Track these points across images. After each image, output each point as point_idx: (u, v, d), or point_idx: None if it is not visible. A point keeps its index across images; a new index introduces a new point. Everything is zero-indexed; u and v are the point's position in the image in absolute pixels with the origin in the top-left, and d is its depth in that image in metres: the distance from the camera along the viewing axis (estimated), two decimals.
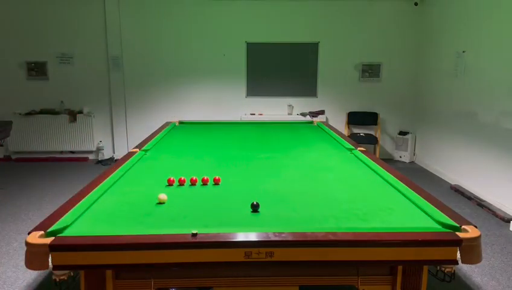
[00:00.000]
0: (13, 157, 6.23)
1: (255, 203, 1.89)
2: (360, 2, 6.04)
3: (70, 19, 5.99)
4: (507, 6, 4.06)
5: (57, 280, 1.54)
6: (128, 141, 6.36)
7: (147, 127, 6.25)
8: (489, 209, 4.14)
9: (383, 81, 6.26)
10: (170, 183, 2.28)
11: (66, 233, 1.60)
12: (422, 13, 6.00)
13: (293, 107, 6.28)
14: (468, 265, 3.04)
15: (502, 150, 4.16)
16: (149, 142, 3.36)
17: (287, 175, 2.49)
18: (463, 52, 4.88)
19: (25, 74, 6.09)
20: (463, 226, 1.64)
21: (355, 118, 6.30)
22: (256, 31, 6.09)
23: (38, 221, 3.84)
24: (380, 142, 6.39)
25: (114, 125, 6.28)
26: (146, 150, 3.13)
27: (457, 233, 1.59)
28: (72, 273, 1.56)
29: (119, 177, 2.40)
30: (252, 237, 1.55)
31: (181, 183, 2.28)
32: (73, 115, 6.13)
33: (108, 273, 1.68)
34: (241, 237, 1.55)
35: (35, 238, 1.52)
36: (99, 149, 6.25)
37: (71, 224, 1.69)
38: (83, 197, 1.99)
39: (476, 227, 1.63)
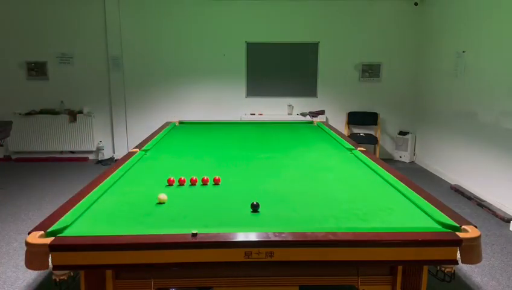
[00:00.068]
0: (13, 157, 6.23)
1: (255, 203, 1.89)
2: (360, 2, 6.04)
3: (70, 19, 5.99)
4: (507, 6, 4.06)
5: (57, 280, 1.54)
6: (128, 141, 6.36)
7: (147, 127, 6.25)
8: (489, 209, 4.14)
9: (383, 81, 6.26)
10: (170, 183, 2.28)
11: (66, 233, 1.60)
12: (422, 13, 6.00)
13: (293, 107, 6.28)
14: (468, 265, 3.04)
15: (502, 150, 4.16)
16: (149, 142, 3.36)
17: (287, 175, 2.49)
18: (463, 52, 4.88)
19: (25, 74, 6.09)
20: (463, 226, 1.64)
21: (355, 118, 6.30)
22: (256, 31, 6.09)
23: (38, 221, 3.84)
24: (380, 142, 6.39)
25: (114, 125, 6.28)
26: (146, 150, 3.13)
27: (457, 233, 1.59)
28: (72, 273, 1.56)
29: (119, 177, 2.40)
30: (252, 237, 1.55)
31: (181, 183, 2.28)
32: (73, 115, 6.13)
33: (108, 273, 1.68)
34: (241, 237, 1.55)
35: (35, 238, 1.52)
36: (99, 149, 6.25)
37: (71, 224, 1.69)
38: (83, 197, 1.99)
39: (476, 227, 1.63)
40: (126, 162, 2.68)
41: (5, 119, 5.81)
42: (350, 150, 3.17)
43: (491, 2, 4.34)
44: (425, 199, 1.99)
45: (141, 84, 6.21)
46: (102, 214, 1.84)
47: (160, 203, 1.99)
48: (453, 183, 5.07)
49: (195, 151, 3.17)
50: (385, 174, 2.43)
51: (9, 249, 3.28)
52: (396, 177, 2.34)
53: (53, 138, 6.17)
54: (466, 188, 4.77)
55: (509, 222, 3.83)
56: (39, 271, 2.92)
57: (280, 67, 6.19)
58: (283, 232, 1.58)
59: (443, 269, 1.61)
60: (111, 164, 6.01)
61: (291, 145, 3.42)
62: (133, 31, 6.05)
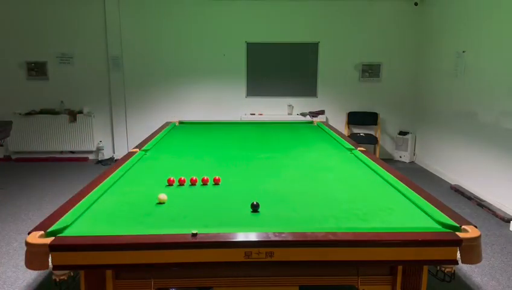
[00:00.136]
0: (13, 157, 6.23)
1: (255, 203, 1.89)
2: (360, 2, 6.04)
3: (70, 19, 5.99)
4: (507, 6, 4.06)
5: (57, 280, 1.54)
6: (128, 141, 6.36)
7: (147, 127, 6.25)
8: (489, 209, 4.14)
9: (383, 81, 6.26)
10: (170, 183, 2.28)
11: (66, 233, 1.60)
12: (422, 13, 6.00)
13: (293, 107, 6.28)
14: (468, 265, 3.04)
15: (502, 150, 4.16)
16: (149, 142, 3.36)
17: (287, 175, 2.49)
18: (463, 52, 4.88)
19: (25, 74, 6.09)
20: (463, 226, 1.64)
21: (355, 118, 6.30)
22: (256, 31, 6.09)
23: (38, 221, 3.84)
24: (380, 142, 6.39)
25: (114, 125, 6.28)
26: (146, 150, 3.13)
27: (457, 233, 1.59)
28: (72, 273, 1.56)
29: (119, 177, 2.40)
30: (252, 237, 1.55)
31: (181, 183, 2.28)
32: (73, 115, 6.14)
33: (108, 273, 1.68)
34: (241, 237, 1.55)
35: (35, 238, 1.52)
36: (99, 149, 6.26)
37: (71, 224, 1.69)
38: (83, 197, 1.99)
39: (476, 227, 1.63)
40: (126, 162, 2.68)
41: (5, 119, 5.81)
42: (350, 150, 3.17)
43: (491, 2, 4.34)
44: (425, 199, 1.99)
45: (141, 84, 6.21)
46: (102, 214, 1.84)
47: (160, 203, 1.99)
48: (453, 183, 5.07)
49: (195, 151, 3.17)
50: (385, 174, 2.43)
51: (9, 249, 3.28)
52: (396, 177, 2.34)
53: (53, 138, 6.17)
54: (466, 188, 4.77)
55: (509, 222, 3.83)
56: (39, 271, 2.92)
57: (280, 67, 6.19)
58: (283, 232, 1.58)
59: (443, 269, 1.61)
60: (111, 164, 6.01)
61: (291, 145, 3.42)
62: (133, 31, 6.05)
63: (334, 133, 3.87)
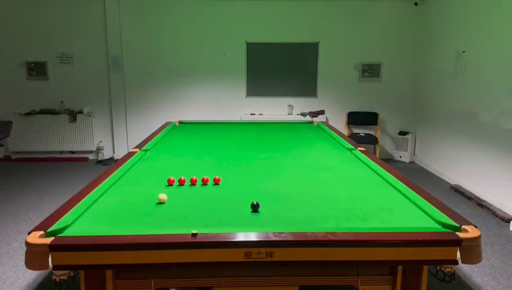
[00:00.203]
0: (13, 157, 6.23)
1: (255, 203, 1.89)
2: (360, 2, 6.04)
3: (70, 19, 5.99)
4: (507, 6, 4.06)
5: (57, 280, 1.54)
6: (128, 141, 6.36)
7: (147, 127, 6.25)
8: (489, 209, 4.14)
9: (383, 81, 6.26)
10: (170, 183, 2.28)
11: (66, 233, 1.60)
12: (422, 13, 6.00)
13: (293, 107, 6.28)
14: (468, 265, 3.04)
15: (502, 150, 4.16)
16: (149, 142, 3.36)
17: (287, 175, 2.49)
18: (463, 52, 4.88)
19: (25, 74, 6.09)
20: (463, 226, 1.64)
21: (355, 118, 6.30)
22: (256, 31, 6.09)
23: (38, 221, 3.84)
24: (380, 142, 6.39)
25: (114, 125, 6.28)
26: (146, 150, 3.13)
27: (457, 233, 1.59)
28: (72, 273, 1.56)
29: (119, 177, 2.40)
30: (252, 237, 1.55)
31: (181, 183, 2.28)
32: (73, 115, 6.14)
33: (108, 273, 1.68)
34: (241, 237, 1.55)
35: (35, 238, 1.52)
36: (99, 149, 6.26)
37: (71, 224, 1.69)
38: (83, 197, 1.99)
39: (476, 227, 1.63)
40: (126, 162, 2.68)
41: (5, 119, 5.81)
42: (350, 150, 3.17)
43: (491, 2, 4.34)
44: (425, 199, 1.99)
45: (141, 84, 6.21)
46: (102, 214, 1.84)
47: (160, 203, 1.99)
48: (453, 183, 5.07)
49: (195, 151, 3.17)
50: (385, 174, 2.43)
51: (9, 249, 3.28)
52: (396, 177, 2.34)
53: (53, 138, 6.17)
54: (466, 188, 4.77)
55: (509, 222, 3.83)
56: (39, 271, 2.92)
57: (280, 67, 6.19)
58: (283, 232, 1.58)
59: (443, 269, 1.61)
60: (111, 164, 6.01)
61: (291, 145, 3.42)
62: (133, 31, 6.05)
63: (334, 133, 3.87)
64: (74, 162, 6.19)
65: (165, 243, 1.51)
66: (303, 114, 6.22)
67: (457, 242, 1.54)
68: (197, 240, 1.53)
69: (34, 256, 1.49)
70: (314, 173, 2.54)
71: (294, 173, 2.54)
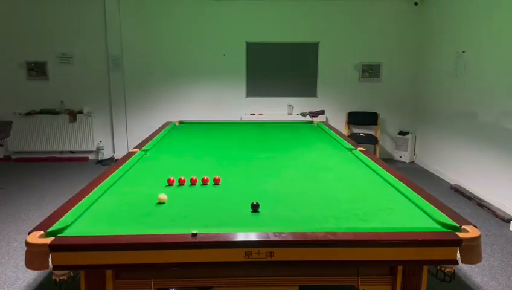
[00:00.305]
0: (13, 157, 6.23)
1: (255, 203, 1.89)
2: (360, 2, 6.04)
3: (70, 19, 5.99)
4: (507, 6, 4.06)
5: (57, 280, 1.54)
6: (128, 141, 6.36)
7: (147, 127, 6.25)
8: (489, 209, 4.14)
9: (383, 81, 6.26)
10: (170, 183, 2.28)
11: (66, 233, 1.60)
12: (422, 13, 6.00)
13: (293, 107, 6.28)
14: (468, 265, 3.04)
15: (502, 150, 4.16)
16: (149, 142, 3.36)
17: (287, 175, 2.49)
18: (463, 52, 4.88)
19: (25, 74, 6.09)
20: (463, 226, 1.64)
21: (355, 118, 6.30)
22: (256, 31, 6.09)
23: (38, 221, 3.84)
24: (380, 142, 6.39)
25: (114, 125, 6.28)
26: (146, 150, 3.13)
27: (457, 233, 1.59)
28: (72, 273, 1.56)
29: (119, 177, 2.40)
30: (252, 237, 1.55)
31: (181, 183, 2.28)
32: (73, 115, 6.14)
33: (108, 273, 1.68)
34: (241, 237, 1.55)
35: (35, 238, 1.52)
36: (99, 149, 6.26)
37: (71, 224, 1.69)
38: (83, 197, 1.99)
39: (476, 227, 1.63)
40: (126, 162, 2.68)
41: (5, 119, 5.81)
42: (350, 150, 3.17)
43: (491, 2, 4.34)
44: (425, 199, 1.99)
45: (141, 84, 6.21)
46: (102, 214, 1.84)
47: (160, 203, 1.99)
48: (453, 183, 5.07)
49: (195, 151, 3.17)
50: (385, 174, 2.43)
51: (9, 249, 3.28)
52: (396, 177, 2.34)
53: (53, 138, 6.17)
54: (466, 188, 4.77)
55: (509, 222, 3.83)
56: (39, 271, 2.92)
57: (280, 67, 6.19)
58: (283, 232, 1.58)
59: (443, 269, 1.61)
60: (111, 164, 6.01)
61: (291, 145, 3.42)
62: (133, 31, 6.05)
63: (334, 133, 3.87)
64: (74, 162, 6.19)
65: (165, 243, 1.51)
66: (303, 114, 6.22)
67: (457, 242, 1.54)
68: (197, 240, 1.53)
69: (34, 256, 1.49)
70: (314, 173, 2.54)
71: (294, 173, 2.54)
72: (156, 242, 1.51)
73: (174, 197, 2.08)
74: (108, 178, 2.31)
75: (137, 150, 3.06)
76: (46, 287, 2.75)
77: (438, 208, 1.85)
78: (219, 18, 6.05)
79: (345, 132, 6.30)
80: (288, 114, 6.26)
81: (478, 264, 3.03)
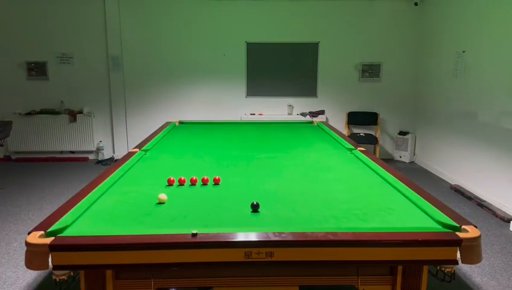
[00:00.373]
0: (13, 157, 6.23)
1: (255, 203, 1.89)
2: (360, 2, 6.04)
3: (70, 19, 5.99)
4: (507, 7, 4.06)
5: (57, 280, 1.54)
6: (128, 141, 6.36)
7: (147, 127, 6.25)
8: (489, 209, 4.14)
9: (383, 81, 6.26)
10: (170, 183, 2.28)
11: (66, 233, 1.60)
12: (422, 13, 6.00)
13: (293, 107, 6.28)
14: (468, 265, 3.04)
15: (502, 150, 4.16)
16: (149, 142, 3.36)
17: (287, 175, 2.49)
18: (463, 52, 4.88)
19: (25, 74, 6.09)
20: (463, 226, 1.64)
21: (355, 118, 6.30)
22: (256, 31, 6.09)
23: (38, 221, 3.84)
24: (380, 142, 6.39)
25: (114, 125, 6.28)
26: (146, 150, 3.13)
27: (457, 233, 1.59)
28: (72, 273, 1.56)
29: (119, 177, 2.40)
30: (252, 237, 1.55)
31: (181, 183, 2.28)
32: (73, 115, 6.14)
33: (108, 273, 1.68)
34: (241, 237, 1.55)
35: (35, 238, 1.52)
36: (99, 149, 6.26)
37: (71, 224, 1.69)
38: (83, 197, 1.99)
39: (476, 227, 1.63)
40: (126, 162, 2.68)
41: (5, 119, 5.81)
42: (350, 150, 3.17)
43: (491, 2, 4.34)
44: (425, 199, 1.99)
45: (141, 84, 6.21)
46: (102, 214, 1.84)
47: (160, 203, 1.99)
48: (453, 183, 5.07)
49: (195, 151, 3.17)
50: (385, 174, 2.43)
51: (9, 249, 3.28)
52: (396, 177, 2.34)
53: (53, 138, 6.17)
54: (466, 188, 4.77)
55: (509, 222, 3.83)
56: (39, 271, 2.92)
57: (280, 67, 6.19)
58: (283, 232, 1.58)
59: (443, 269, 1.61)
60: (111, 164, 6.01)
61: (291, 145, 3.42)
62: (133, 31, 6.05)
63: (334, 133, 3.87)
64: (74, 162, 6.19)
65: (165, 243, 1.51)
66: (303, 114, 6.22)
67: (457, 242, 1.54)
68: (197, 240, 1.53)
69: (34, 256, 1.49)
70: (314, 173, 2.54)
71: (294, 173, 2.54)
72: (156, 242, 1.51)
73: (174, 197, 2.08)
74: (108, 178, 2.31)
75: (137, 150, 3.06)
76: (46, 287, 2.75)
77: (438, 208, 1.85)
78: (219, 18, 6.05)
79: (345, 132, 6.30)
80: (288, 114, 6.26)
81: (478, 264, 3.04)
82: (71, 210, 1.82)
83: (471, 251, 1.55)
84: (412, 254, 1.55)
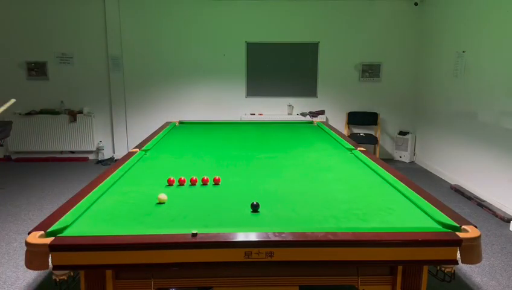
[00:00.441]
0: (13, 157, 6.23)
1: (255, 203, 1.89)
2: (360, 2, 6.04)
3: (70, 19, 5.99)
4: (507, 7, 4.06)
5: (57, 280, 1.54)
6: (128, 141, 6.36)
7: (147, 127, 6.25)
8: (489, 209, 4.14)
9: (383, 81, 6.26)
10: (170, 183, 2.28)
11: (66, 233, 1.60)
12: (422, 13, 6.00)
13: (293, 107, 6.28)
14: (468, 265, 3.04)
15: (502, 150, 4.16)
16: (149, 142, 3.36)
17: (287, 175, 2.49)
18: (463, 52, 4.88)
19: (25, 74, 6.09)
20: (463, 226, 1.64)
21: (355, 118, 6.30)
22: (256, 31, 6.09)
23: (38, 221, 3.84)
24: (380, 142, 6.39)
25: (114, 125, 6.28)
26: (146, 150, 3.13)
27: (457, 233, 1.59)
28: (72, 273, 1.56)
29: (119, 177, 2.40)
30: (252, 237, 1.55)
31: (181, 183, 2.28)
32: (73, 115, 6.14)
33: (108, 273, 1.68)
34: (241, 237, 1.55)
35: (35, 238, 1.52)
36: (99, 149, 6.26)
37: (71, 224, 1.69)
38: (83, 197, 1.99)
39: (476, 227, 1.63)
40: (126, 162, 2.68)
41: (5, 119, 5.81)
42: (350, 150, 3.17)
43: (491, 2, 4.34)
44: (425, 199, 1.99)
45: (141, 84, 6.21)
46: (102, 214, 1.84)
47: (160, 203, 1.99)
48: (453, 183, 5.07)
49: (195, 151, 3.17)
50: (385, 174, 2.43)
51: (9, 249, 3.28)
52: (396, 177, 2.34)
53: (53, 138, 6.17)
54: (466, 188, 4.77)
55: (509, 222, 3.83)
56: (39, 271, 2.92)
57: (280, 67, 6.19)
58: (283, 232, 1.58)
59: (443, 269, 1.61)
60: (111, 164, 6.01)
61: (291, 145, 3.42)
62: (133, 31, 6.05)
63: (334, 133, 3.87)
64: (74, 162, 6.19)
65: (165, 243, 1.51)
66: (303, 114, 6.22)
67: (457, 242, 1.54)
68: (197, 240, 1.53)
69: (34, 256, 1.49)
70: (314, 173, 2.54)
71: (294, 173, 2.54)
72: (156, 242, 1.51)
73: (174, 197, 2.08)
74: (108, 178, 2.31)
75: (137, 150, 3.06)
76: (46, 287, 2.75)
77: (438, 208, 1.85)
78: (219, 18, 6.05)
79: (345, 132, 6.30)
80: (288, 114, 6.26)
81: (478, 264, 3.04)
82: (71, 210, 1.82)
83: (471, 251, 1.55)
84: (412, 254, 1.55)
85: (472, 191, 4.65)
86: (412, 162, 6.28)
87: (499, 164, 4.21)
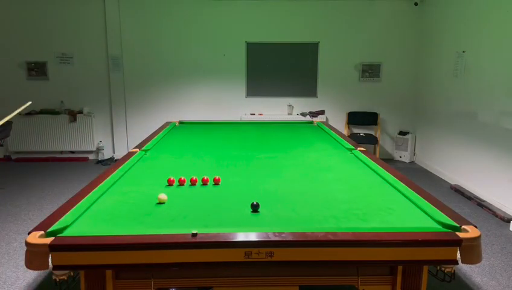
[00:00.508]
0: (13, 157, 6.23)
1: (255, 203, 1.89)
2: (360, 2, 6.04)
3: (70, 19, 5.99)
4: (507, 7, 4.06)
5: (57, 280, 1.54)
6: (128, 141, 6.36)
7: (147, 127, 6.25)
8: (489, 209, 4.14)
9: (383, 81, 6.26)
10: (170, 183, 2.28)
11: (66, 233, 1.60)
12: (422, 13, 6.00)
13: (293, 107, 6.28)
14: (468, 265, 3.04)
15: (502, 150, 4.16)
16: (149, 142, 3.36)
17: (287, 175, 2.49)
18: (463, 52, 4.88)
19: (25, 74, 6.09)
20: (463, 226, 1.64)
21: (355, 118, 6.30)
22: (256, 31, 6.09)
23: (38, 221, 3.84)
24: (380, 142, 6.39)
25: (114, 125, 6.29)
26: (146, 150, 3.13)
27: (457, 233, 1.59)
28: (72, 273, 1.56)
29: (119, 177, 2.40)
30: (252, 237, 1.55)
31: (181, 183, 2.28)
32: (73, 115, 6.14)
33: (108, 273, 1.68)
34: (241, 237, 1.55)
35: (35, 238, 1.52)
36: (99, 149, 6.26)
37: (71, 224, 1.69)
38: (83, 197, 1.99)
39: (476, 227, 1.63)
40: (126, 162, 2.68)
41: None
42: (350, 150, 3.17)
43: (491, 2, 4.34)
44: (425, 199, 1.99)
45: (141, 84, 6.21)
46: (102, 214, 1.84)
47: (160, 203, 1.99)
48: (453, 183, 5.07)
49: (195, 151, 3.17)
50: (385, 174, 2.43)
51: (9, 249, 3.28)
52: (396, 177, 2.34)
53: (53, 138, 6.17)
54: (466, 188, 4.77)
55: (509, 222, 3.83)
56: (39, 271, 2.92)
57: (280, 67, 6.19)
58: (283, 232, 1.58)
59: (443, 269, 1.61)
60: (111, 164, 6.01)
61: (291, 145, 3.42)
62: (133, 31, 6.05)
63: (334, 133, 3.87)
64: (74, 162, 6.19)
65: (165, 243, 1.51)
66: (303, 114, 6.22)
67: (457, 242, 1.54)
68: (197, 240, 1.53)
69: (34, 256, 1.49)
70: (314, 173, 2.54)
71: (294, 173, 2.54)
72: (156, 242, 1.51)
73: (174, 197, 2.08)
74: (108, 178, 2.31)
75: (137, 150, 3.06)
76: (46, 287, 2.75)
77: (438, 208, 1.85)
78: (219, 18, 6.05)
79: (345, 132, 6.30)
80: (288, 114, 6.26)
81: (478, 264, 3.04)
82: (71, 210, 1.82)
83: (471, 251, 1.55)
84: (412, 254, 1.55)
85: (472, 191, 4.65)
86: (412, 162, 6.28)
87: (499, 164, 4.21)
